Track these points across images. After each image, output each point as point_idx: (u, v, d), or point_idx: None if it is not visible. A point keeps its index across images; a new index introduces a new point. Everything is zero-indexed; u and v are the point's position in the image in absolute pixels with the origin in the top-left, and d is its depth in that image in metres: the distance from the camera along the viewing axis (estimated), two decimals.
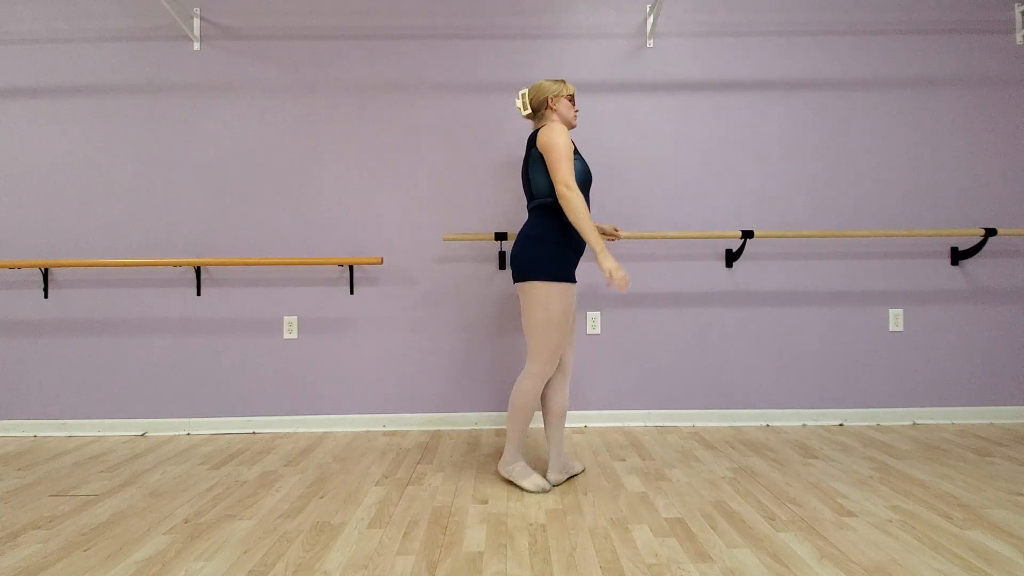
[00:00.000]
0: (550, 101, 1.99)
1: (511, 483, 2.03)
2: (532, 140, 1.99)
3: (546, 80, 2.03)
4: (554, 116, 2.01)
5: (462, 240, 2.66)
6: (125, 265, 2.58)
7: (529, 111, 2.03)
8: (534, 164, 1.95)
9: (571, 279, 1.91)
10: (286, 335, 2.75)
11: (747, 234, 2.63)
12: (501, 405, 2.77)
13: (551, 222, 1.92)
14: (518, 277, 1.94)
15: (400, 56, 2.78)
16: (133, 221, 2.74)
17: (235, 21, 2.77)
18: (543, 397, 2.05)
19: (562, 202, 1.84)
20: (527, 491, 1.96)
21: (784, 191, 2.79)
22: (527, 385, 1.93)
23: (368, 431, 2.72)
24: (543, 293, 1.87)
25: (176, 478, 2.11)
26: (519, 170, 2.78)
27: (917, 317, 2.79)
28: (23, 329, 2.72)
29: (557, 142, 1.86)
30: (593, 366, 2.77)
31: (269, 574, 1.42)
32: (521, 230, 1.99)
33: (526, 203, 2.10)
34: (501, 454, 2.35)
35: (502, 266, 2.75)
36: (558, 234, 1.91)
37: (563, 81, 2.03)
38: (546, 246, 1.89)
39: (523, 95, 2.04)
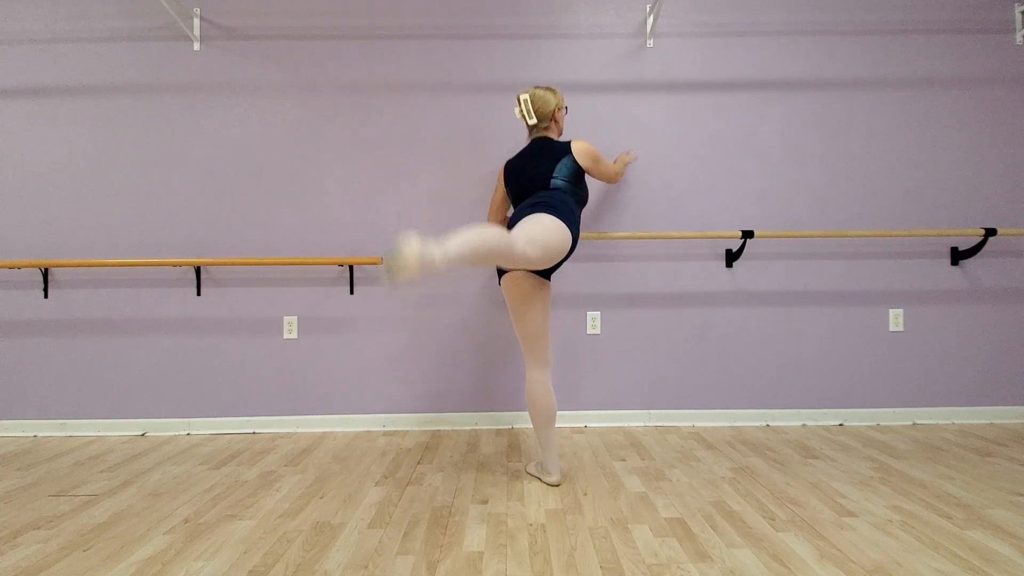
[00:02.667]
0: (556, 112, 2.10)
1: (525, 473, 2.03)
2: (549, 148, 2.05)
3: (541, 89, 2.08)
4: (553, 126, 2.12)
5: None
6: (125, 265, 2.58)
7: (535, 121, 2.08)
8: (563, 171, 2.01)
9: None
10: (286, 335, 2.75)
11: (747, 234, 2.63)
12: (501, 405, 2.77)
13: (571, 199, 2.02)
14: (544, 210, 1.89)
15: (399, 56, 2.78)
16: (133, 221, 2.74)
17: (235, 21, 2.77)
18: (534, 395, 1.99)
19: (617, 180, 2.26)
20: (558, 479, 2.00)
21: (784, 191, 2.79)
22: (544, 370, 2.00)
23: (368, 431, 2.72)
24: (563, 232, 1.87)
25: (176, 478, 2.11)
26: None
27: (917, 317, 2.79)
28: (23, 329, 2.72)
29: (600, 154, 2.14)
30: (593, 366, 2.77)
31: (269, 574, 1.42)
32: (541, 199, 1.92)
33: (524, 193, 2.05)
34: (501, 454, 2.35)
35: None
36: (578, 223, 2.02)
37: (557, 90, 2.12)
38: (572, 212, 1.97)
39: (525, 102, 2.06)
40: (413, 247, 1.47)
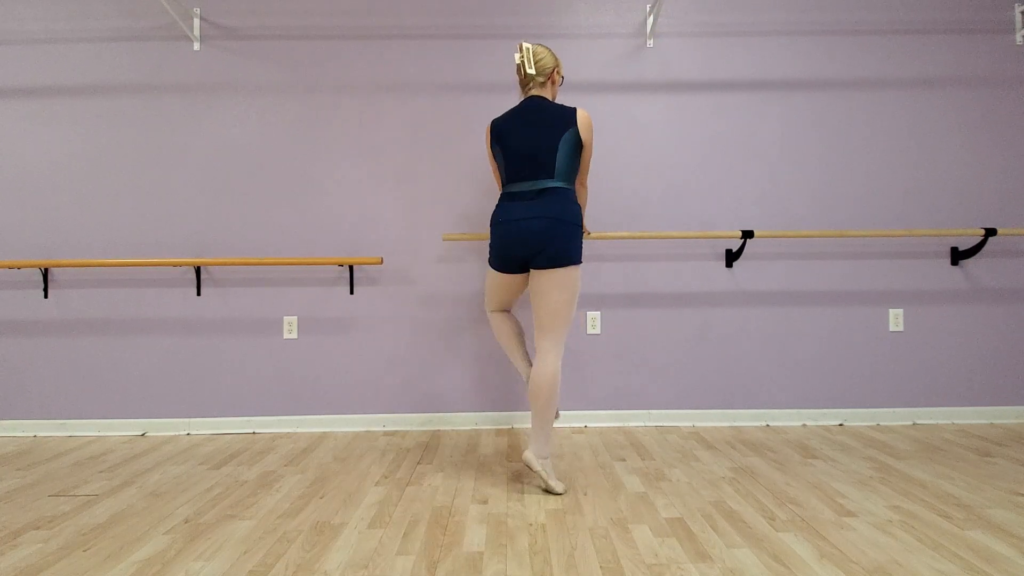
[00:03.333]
0: (555, 73, 2.04)
1: (525, 473, 2.03)
2: (550, 112, 1.95)
3: (544, 48, 2.01)
4: (549, 87, 2.04)
5: (462, 240, 2.66)
6: (125, 265, 2.58)
7: (533, 72, 1.98)
8: (567, 145, 1.94)
9: None
10: (286, 335, 2.75)
11: (747, 234, 2.63)
12: (501, 405, 2.77)
13: (577, 208, 1.97)
14: (558, 262, 1.89)
15: (400, 56, 2.78)
16: (133, 221, 2.74)
17: (235, 21, 2.77)
18: (505, 324, 2.14)
19: (585, 194, 2.13)
20: (554, 491, 1.91)
21: (784, 191, 2.79)
22: (557, 367, 1.94)
23: (368, 431, 2.72)
24: (577, 277, 1.95)
25: (176, 478, 2.11)
26: None
27: (917, 317, 2.79)
28: (23, 329, 2.72)
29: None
30: (593, 366, 2.77)
31: (269, 574, 1.42)
32: (553, 215, 1.90)
33: (526, 174, 1.96)
34: (501, 454, 2.35)
35: None
36: (582, 220, 1.99)
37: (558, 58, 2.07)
38: (580, 232, 1.95)
39: (528, 51, 1.97)
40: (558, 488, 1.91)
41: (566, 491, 1.95)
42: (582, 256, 1.96)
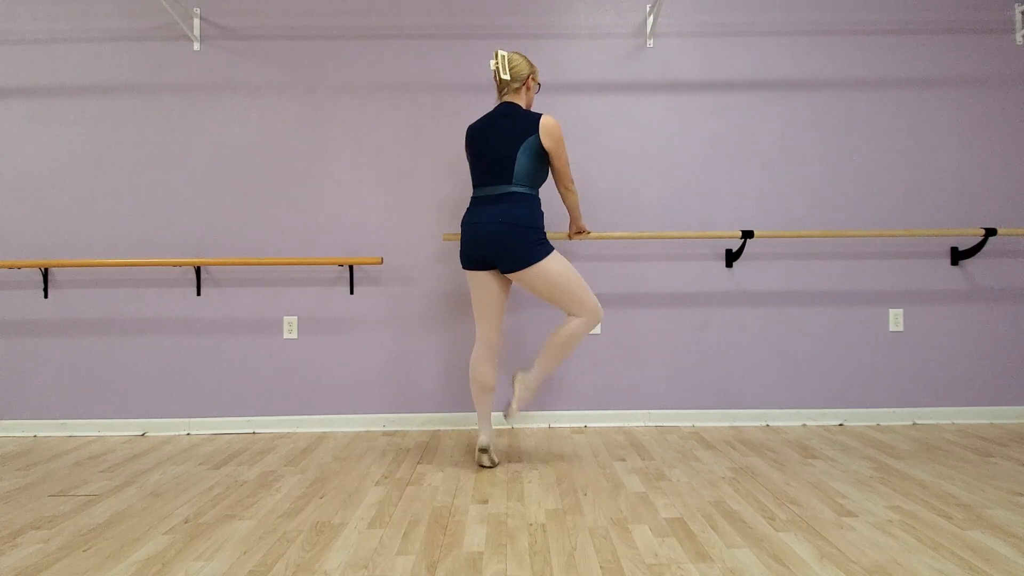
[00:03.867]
0: (530, 80, 2.11)
1: (525, 473, 2.03)
2: (516, 117, 2.04)
3: (520, 55, 2.09)
4: (523, 93, 2.12)
5: None
6: (125, 265, 2.58)
7: (507, 78, 2.07)
8: (527, 152, 2.02)
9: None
10: (286, 335, 2.75)
11: (747, 234, 2.63)
12: (501, 405, 2.77)
13: (536, 210, 2.04)
14: (522, 264, 2.00)
15: (400, 56, 2.78)
16: (133, 221, 2.74)
17: (235, 21, 2.77)
18: (479, 373, 2.17)
19: (573, 197, 2.19)
20: (509, 411, 2.13)
21: (784, 191, 2.79)
22: (581, 327, 2.06)
23: (368, 431, 2.72)
24: (552, 261, 2.02)
25: (176, 478, 2.11)
26: None
27: (917, 317, 2.79)
28: (23, 329, 2.72)
29: (565, 146, 2.13)
30: (593, 366, 2.77)
31: (269, 574, 1.42)
32: (506, 219, 1.99)
33: (489, 180, 2.05)
34: (501, 454, 2.35)
35: None
36: (542, 219, 2.07)
37: (535, 66, 2.17)
38: (539, 231, 2.04)
39: (503, 58, 2.06)
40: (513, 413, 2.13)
41: (513, 426, 2.17)
42: (549, 247, 2.04)
